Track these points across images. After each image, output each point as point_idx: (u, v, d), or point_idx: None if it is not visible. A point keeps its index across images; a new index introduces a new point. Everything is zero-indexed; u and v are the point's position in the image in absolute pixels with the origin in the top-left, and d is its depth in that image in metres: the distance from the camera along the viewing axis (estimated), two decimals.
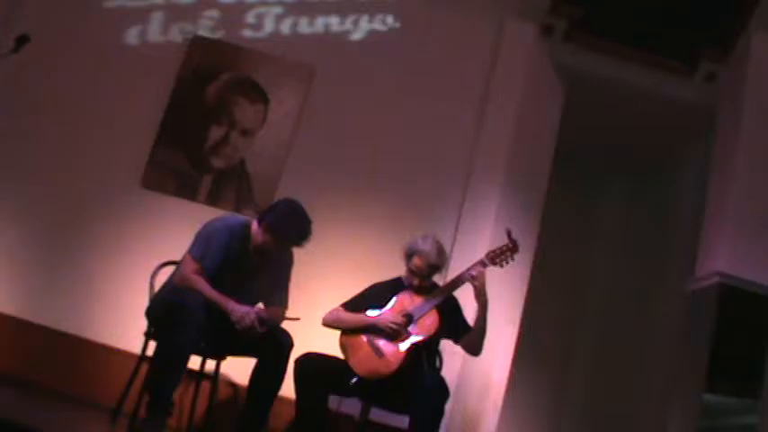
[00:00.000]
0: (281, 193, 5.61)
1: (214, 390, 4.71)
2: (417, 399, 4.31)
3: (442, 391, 4.36)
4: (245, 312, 4.27)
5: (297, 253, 4.63)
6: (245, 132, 5.87)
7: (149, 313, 4.53)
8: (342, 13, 6.11)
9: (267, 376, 4.38)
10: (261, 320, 4.31)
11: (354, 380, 4.46)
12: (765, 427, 5.14)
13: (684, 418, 5.33)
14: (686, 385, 5.46)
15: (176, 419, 4.46)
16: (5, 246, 5.61)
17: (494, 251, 4.67)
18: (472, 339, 4.67)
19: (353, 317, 4.65)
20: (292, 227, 4.42)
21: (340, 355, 4.58)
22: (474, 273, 4.57)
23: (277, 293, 4.64)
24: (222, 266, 4.41)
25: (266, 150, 5.84)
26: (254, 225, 4.51)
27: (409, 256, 4.72)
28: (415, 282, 4.71)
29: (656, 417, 6.22)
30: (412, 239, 4.76)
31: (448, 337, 4.74)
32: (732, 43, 5.96)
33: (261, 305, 4.60)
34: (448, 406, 4.42)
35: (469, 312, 4.71)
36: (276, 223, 4.41)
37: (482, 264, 4.62)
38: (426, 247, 4.69)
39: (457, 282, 4.61)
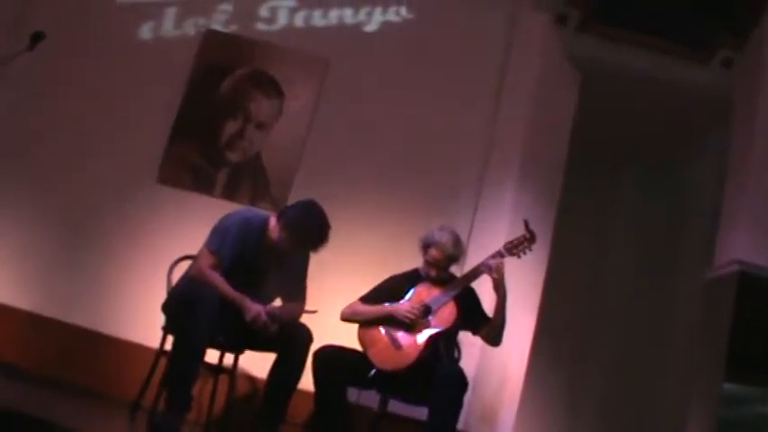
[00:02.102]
0: (296, 187, 5.64)
1: (232, 384, 4.71)
2: (436, 390, 4.31)
3: (460, 382, 4.36)
4: (257, 314, 4.28)
5: None
6: (260, 126, 5.87)
7: (166, 307, 4.54)
8: (355, 4, 6.10)
9: (286, 370, 4.38)
10: (273, 318, 4.31)
11: (373, 372, 4.46)
12: None
13: (704, 407, 5.30)
14: (705, 374, 5.43)
15: (195, 413, 4.46)
16: (23, 243, 5.64)
17: (511, 242, 4.67)
18: (492, 330, 4.67)
19: (370, 308, 4.66)
20: (309, 229, 4.40)
21: (358, 347, 4.59)
22: (492, 264, 4.56)
23: (294, 289, 4.63)
24: (238, 259, 4.41)
25: (282, 144, 5.84)
26: (273, 220, 4.51)
27: (426, 247, 4.71)
28: (433, 273, 4.71)
29: (675, 406, 6.20)
30: (428, 231, 4.75)
31: (466, 329, 4.74)
32: (748, 28, 5.91)
33: (278, 300, 4.61)
34: (466, 397, 4.42)
35: (487, 303, 4.71)
36: (293, 223, 4.39)
37: (500, 254, 4.62)
38: (443, 238, 4.68)
39: (475, 273, 4.61)
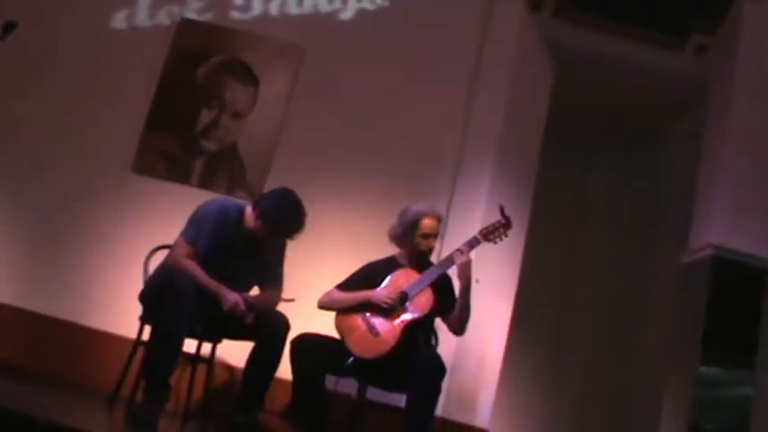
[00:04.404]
0: (273, 175, 5.64)
1: (210, 373, 4.73)
2: (414, 377, 4.32)
3: (438, 368, 4.36)
4: (234, 302, 4.27)
5: None
6: (235, 114, 5.86)
7: (143, 297, 4.53)
8: None
9: (263, 359, 4.37)
10: (250, 307, 4.32)
11: (351, 359, 4.46)
12: (760, 398, 5.17)
13: (680, 390, 5.35)
14: (681, 358, 5.49)
15: (173, 403, 4.44)
16: None
17: (487, 228, 4.68)
18: (453, 319, 4.68)
19: (347, 295, 4.65)
20: (285, 217, 4.40)
21: (336, 335, 4.59)
22: (462, 250, 4.57)
23: (271, 276, 4.63)
24: (214, 249, 4.40)
25: (258, 132, 5.83)
26: (249, 209, 4.50)
27: (414, 223, 4.70)
28: (432, 244, 4.73)
29: (652, 390, 6.24)
30: (404, 211, 4.74)
31: (438, 315, 4.73)
32: (722, 15, 5.95)
33: (255, 289, 4.61)
34: (444, 383, 4.43)
35: None
36: (269, 211, 4.39)
37: (476, 240, 4.63)
38: (422, 206, 4.72)
39: (450, 259, 4.60)
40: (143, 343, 4.43)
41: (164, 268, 4.50)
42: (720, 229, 5.35)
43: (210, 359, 4.69)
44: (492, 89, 5.96)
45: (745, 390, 5.22)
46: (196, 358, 4.72)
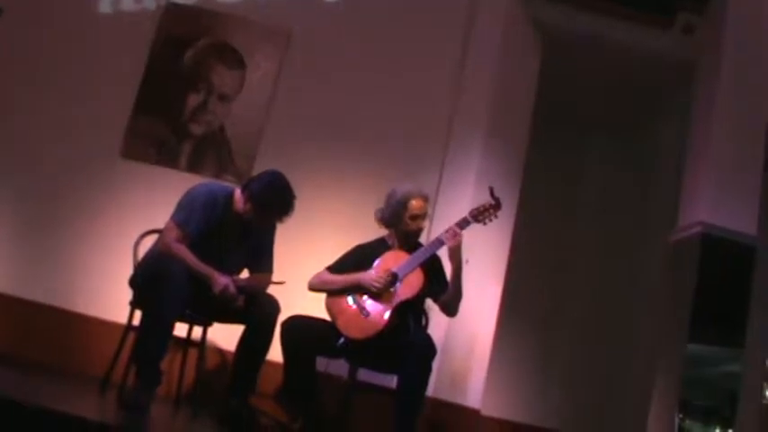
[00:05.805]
0: (261, 158, 5.63)
1: (201, 357, 4.73)
2: (405, 357, 4.32)
3: (429, 348, 4.38)
4: (224, 286, 4.28)
5: None
6: (223, 98, 5.84)
7: (133, 282, 4.52)
8: None
9: (254, 342, 4.39)
10: (240, 290, 4.32)
11: (341, 341, 4.47)
12: (748, 375, 5.20)
13: (670, 368, 5.38)
14: (671, 336, 5.50)
15: (165, 387, 4.46)
16: None
17: (477, 209, 4.67)
18: (446, 300, 4.68)
19: (338, 278, 4.65)
20: (274, 200, 4.41)
21: (326, 317, 4.59)
22: (452, 231, 4.57)
23: (261, 259, 4.64)
24: (204, 232, 4.40)
25: (245, 115, 5.82)
26: (238, 192, 4.50)
27: (403, 205, 4.69)
28: (421, 224, 4.73)
29: (642, 368, 6.27)
30: (392, 194, 4.74)
31: (429, 296, 4.75)
32: None
33: (245, 271, 4.61)
34: (435, 364, 4.45)
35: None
36: (258, 194, 4.40)
37: (465, 221, 4.63)
38: (409, 187, 4.72)
39: (440, 240, 4.59)
40: (133, 328, 4.43)
41: (154, 253, 4.50)
42: (708, 207, 5.36)
43: (201, 343, 4.69)
44: (480, 71, 5.95)
45: (734, 367, 5.25)
46: (187, 342, 4.73)
